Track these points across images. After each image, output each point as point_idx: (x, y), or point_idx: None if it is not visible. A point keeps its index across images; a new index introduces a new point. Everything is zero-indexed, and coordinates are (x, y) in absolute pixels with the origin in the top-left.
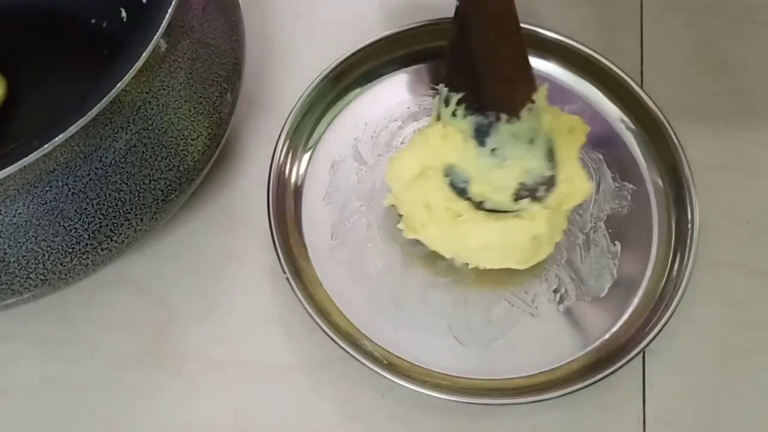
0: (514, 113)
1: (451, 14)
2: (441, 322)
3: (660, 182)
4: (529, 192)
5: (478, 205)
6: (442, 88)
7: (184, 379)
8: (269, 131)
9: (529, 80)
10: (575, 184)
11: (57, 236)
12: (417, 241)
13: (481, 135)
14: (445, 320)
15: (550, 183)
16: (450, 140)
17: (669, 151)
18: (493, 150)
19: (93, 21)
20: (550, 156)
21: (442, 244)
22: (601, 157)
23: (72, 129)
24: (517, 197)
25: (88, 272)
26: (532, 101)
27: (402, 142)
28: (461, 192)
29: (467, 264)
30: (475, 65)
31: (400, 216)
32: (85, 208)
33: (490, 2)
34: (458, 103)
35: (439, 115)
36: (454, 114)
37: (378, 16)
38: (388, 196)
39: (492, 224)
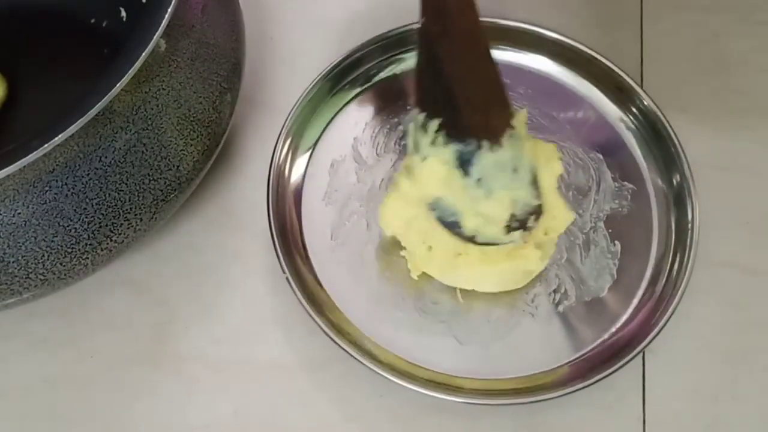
0: (495, 140)
1: None
2: (441, 322)
3: (660, 182)
4: (519, 223)
5: (470, 239)
6: (417, 115)
7: (183, 379)
8: (269, 131)
9: (506, 105)
10: (558, 217)
11: (56, 236)
12: None
13: (464, 164)
14: (445, 320)
15: (538, 212)
16: (433, 171)
17: (669, 151)
18: (478, 180)
19: (93, 21)
20: (535, 184)
21: (443, 277)
22: (601, 157)
23: (72, 129)
24: (509, 229)
25: (87, 272)
26: (512, 127)
27: (401, 142)
28: (450, 226)
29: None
30: (450, 91)
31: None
32: (85, 208)
33: (459, 21)
34: (437, 130)
35: (416, 143)
36: (433, 143)
37: (377, 16)
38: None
39: (488, 268)
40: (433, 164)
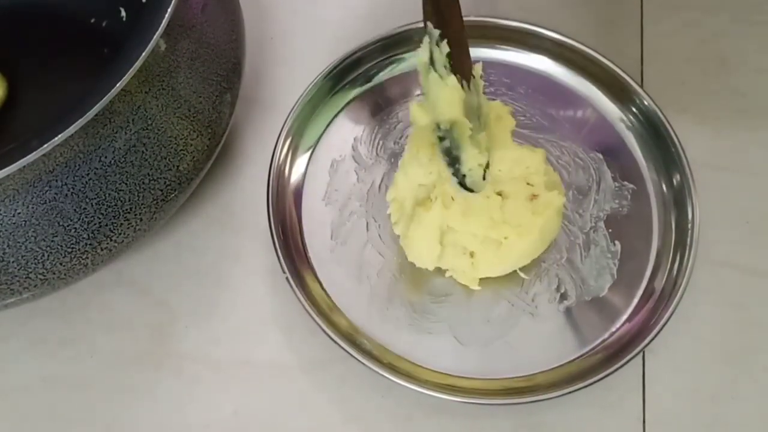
0: (467, 81)
1: None
2: (441, 322)
3: (660, 182)
4: (484, 173)
5: (461, 179)
6: (431, 28)
7: (183, 379)
8: (269, 131)
9: (469, 55)
10: (529, 161)
11: (56, 236)
12: None
13: (431, 61)
14: (445, 320)
15: (486, 167)
16: (457, 92)
17: (669, 151)
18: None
19: (92, 20)
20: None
21: (494, 271)
22: (601, 156)
23: (71, 129)
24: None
25: (87, 272)
26: (473, 76)
27: (402, 141)
28: (452, 162)
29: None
30: (447, 21)
31: None
32: (85, 208)
33: None
34: (449, 55)
35: (431, 59)
36: (446, 66)
37: (377, 15)
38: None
39: (529, 234)
40: (454, 86)
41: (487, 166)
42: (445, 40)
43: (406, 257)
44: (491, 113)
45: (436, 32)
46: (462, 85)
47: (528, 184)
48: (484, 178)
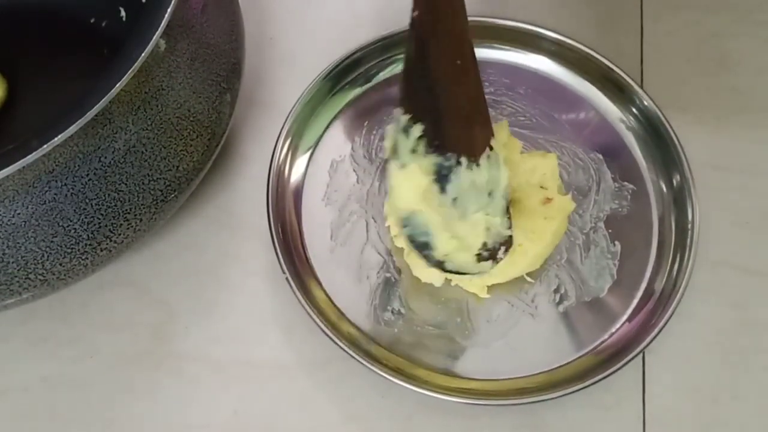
0: (474, 158)
1: None
2: (441, 323)
3: (660, 182)
4: (489, 253)
5: (437, 264)
6: (400, 115)
7: (183, 379)
8: (269, 131)
9: (487, 122)
10: (543, 167)
11: (56, 236)
12: None
13: (441, 180)
14: (445, 320)
15: (508, 243)
16: (414, 182)
17: (669, 151)
18: (454, 200)
19: (92, 20)
20: (507, 212)
21: (506, 276)
22: (601, 157)
23: (71, 129)
24: (479, 258)
25: (87, 272)
26: (491, 148)
27: None
28: (420, 247)
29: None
30: (435, 95)
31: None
32: (85, 209)
33: (449, 22)
34: (419, 137)
35: (394, 147)
36: (414, 150)
37: (377, 16)
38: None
39: (543, 239)
40: (415, 174)
41: (509, 243)
42: (417, 125)
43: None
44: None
45: (404, 118)
46: (456, 161)
47: (542, 187)
48: (494, 258)
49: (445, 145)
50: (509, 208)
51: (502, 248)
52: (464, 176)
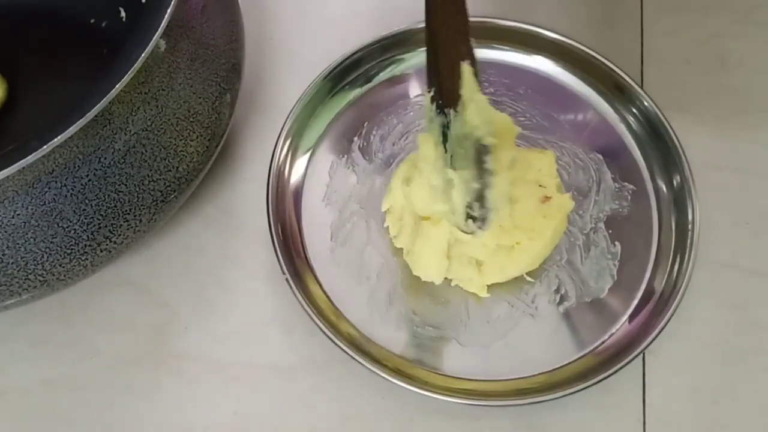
0: (455, 105)
1: None
2: (441, 323)
3: (660, 182)
4: (471, 214)
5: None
6: (426, 91)
7: (183, 380)
8: (269, 132)
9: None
10: (540, 163)
11: (56, 237)
12: None
13: (444, 139)
14: (445, 321)
15: (480, 198)
16: (426, 153)
17: (669, 151)
18: (451, 157)
19: (92, 21)
20: (480, 161)
21: (506, 275)
22: (601, 157)
23: (71, 130)
24: (467, 217)
25: (87, 273)
26: (460, 96)
27: (401, 142)
28: (478, 198)
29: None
30: (433, 53)
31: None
32: (84, 209)
33: None
34: (431, 101)
35: (427, 119)
36: (431, 120)
37: (377, 16)
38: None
39: (542, 238)
40: (426, 144)
41: (480, 199)
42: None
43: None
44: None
45: (426, 89)
46: (442, 112)
47: (540, 186)
48: (480, 221)
49: (442, 99)
50: (482, 155)
51: (477, 204)
52: (453, 129)
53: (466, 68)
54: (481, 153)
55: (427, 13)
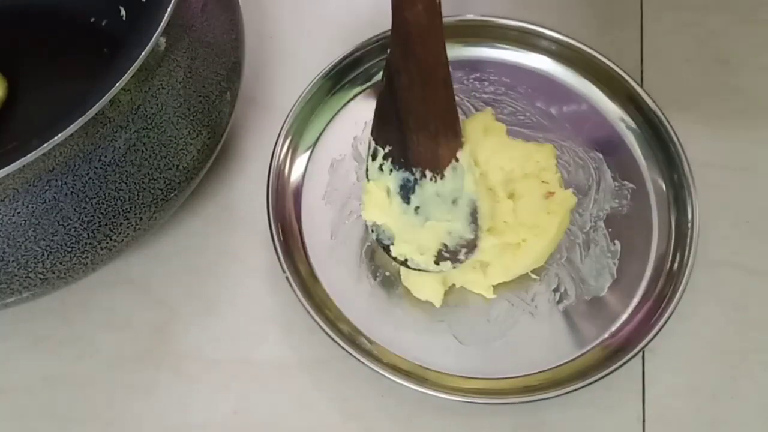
0: (438, 171)
1: (451, 14)
2: (440, 322)
3: (660, 182)
4: (450, 254)
5: (403, 263)
6: (371, 140)
7: (183, 378)
8: (269, 130)
9: (454, 136)
10: (538, 155)
11: (56, 235)
12: None
13: (405, 192)
14: (445, 320)
15: (471, 246)
16: (373, 197)
17: (669, 150)
18: (416, 208)
19: (92, 20)
20: (473, 218)
21: (509, 275)
22: (601, 156)
23: (71, 128)
24: (439, 258)
25: (87, 271)
26: (456, 159)
27: None
28: (387, 249)
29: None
30: (402, 118)
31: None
32: (85, 208)
33: (419, 53)
34: (385, 157)
35: (367, 169)
36: (380, 168)
37: (377, 16)
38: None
39: (547, 236)
40: (374, 191)
41: (472, 246)
42: (382, 149)
43: None
44: (479, 127)
45: (373, 143)
46: (418, 175)
47: (543, 182)
48: (455, 260)
49: (410, 162)
50: (476, 213)
51: (464, 250)
52: (428, 188)
53: (488, 112)
54: (473, 208)
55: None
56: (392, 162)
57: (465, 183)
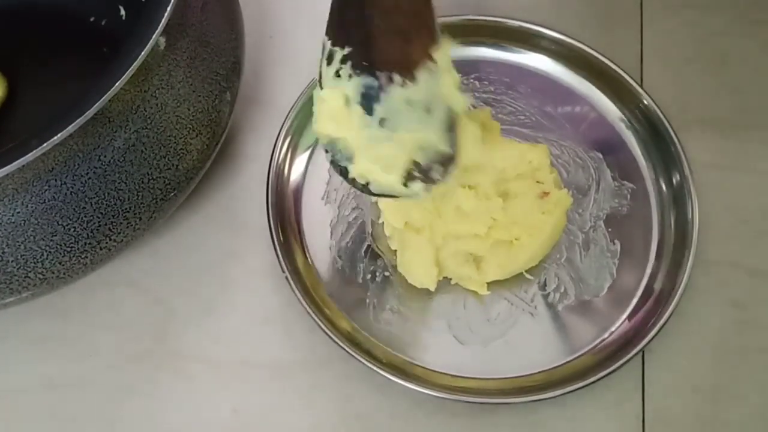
0: (409, 73)
1: (451, 13)
2: (440, 321)
3: (660, 182)
4: (422, 173)
5: (364, 188)
6: (325, 41)
7: (183, 378)
8: (269, 130)
9: (430, 33)
10: (531, 155)
11: (56, 235)
12: None
13: (368, 101)
14: (445, 319)
15: (448, 161)
16: (329, 108)
17: (669, 150)
18: (381, 120)
19: (92, 19)
20: (451, 128)
21: (506, 273)
22: (600, 156)
23: (71, 128)
24: (408, 178)
25: (86, 271)
26: (432, 59)
27: None
28: (344, 173)
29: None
30: (366, 14)
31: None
32: (84, 207)
33: None
34: (343, 60)
35: (319, 75)
36: (337, 74)
37: None
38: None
39: (540, 234)
40: (329, 99)
41: (449, 161)
42: (340, 49)
43: None
44: (473, 119)
45: (328, 44)
46: (389, 79)
47: (537, 182)
48: (428, 179)
49: (374, 64)
50: (455, 124)
51: (438, 167)
52: (395, 95)
53: (446, 46)
54: (451, 117)
55: None
56: (352, 66)
57: (442, 87)
